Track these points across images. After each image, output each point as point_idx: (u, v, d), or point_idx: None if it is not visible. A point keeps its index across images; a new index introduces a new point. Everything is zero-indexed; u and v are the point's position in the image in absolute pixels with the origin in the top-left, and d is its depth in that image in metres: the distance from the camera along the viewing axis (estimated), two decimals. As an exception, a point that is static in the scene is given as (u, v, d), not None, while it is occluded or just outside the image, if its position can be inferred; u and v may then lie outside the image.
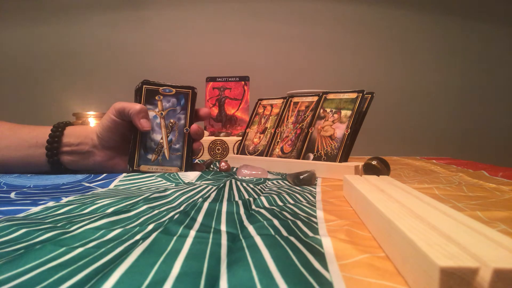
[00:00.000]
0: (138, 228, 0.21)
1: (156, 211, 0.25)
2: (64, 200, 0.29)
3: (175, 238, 0.18)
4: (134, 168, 0.47)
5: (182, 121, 0.50)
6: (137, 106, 0.46)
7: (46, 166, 0.46)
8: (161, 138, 0.48)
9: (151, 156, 0.48)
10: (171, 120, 0.49)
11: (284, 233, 0.19)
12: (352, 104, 0.50)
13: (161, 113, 0.49)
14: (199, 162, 0.60)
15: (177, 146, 0.49)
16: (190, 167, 0.50)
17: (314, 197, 0.32)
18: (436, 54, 1.39)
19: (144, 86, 0.49)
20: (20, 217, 0.23)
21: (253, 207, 0.27)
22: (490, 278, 0.11)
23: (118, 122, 0.46)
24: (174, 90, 0.50)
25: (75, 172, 0.47)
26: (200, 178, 0.44)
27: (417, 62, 1.40)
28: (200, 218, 0.23)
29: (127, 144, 0.48)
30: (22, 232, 0.19)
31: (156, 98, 0.49)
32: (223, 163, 0.53)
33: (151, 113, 0.48)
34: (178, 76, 1.31)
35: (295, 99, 0.60)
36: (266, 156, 0.57)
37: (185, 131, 0.49)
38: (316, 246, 0.18)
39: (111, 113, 0.46)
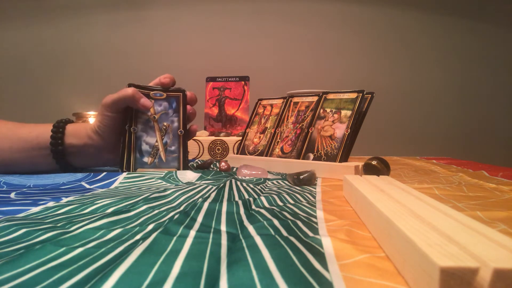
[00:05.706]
0: (138, 228, 0.21)
1: (156, 211, 0.25)
2: (64, 200, 0.29)
3: (175, 238, 0.18)
4: (131, 172, 0.47)
5: (176, 124, 0.50)
6: (129, 91, 0.45)
7: (54, 165, 0.46)
8: (156, 141, 0.49)
9: (147, 159, 0.48)
10: (165, 123, 0.50)
11: (284, 233, 0.19)
12: (352, 104, 0.50)
13: (154, 117, 0.49)
14: (199, 162, 0.60)
15: (173, 148, 0.49)
16: (187, 168, 0.50)
17: (314, 197, 0.32)
18: (435, 54, 1.39)
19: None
20: (20, 217, 0.23)
21: (253, 207, 0.27)
22: (490, 278, 0.11)
23: (115, 117, 0.45)
24: (164, 94, 0.50)
25: (77, 170, 0.47)
26: (200, 178, 0.44)
27: (417, 62, 1.40)
28: (200, 218, 0.23)
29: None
30: (22, 232, 0.19)
31: None
32: (223, 163, 0.53)
33: (144, 117, 0.49)
34: (178, 76, 1.30)
35: (295, 99, 0.60)
36: (266, 156, 0.57)
37: (179, 133, 0.50)
38: (316, 246, 0.18)
39: (105, 111, 0.45)
